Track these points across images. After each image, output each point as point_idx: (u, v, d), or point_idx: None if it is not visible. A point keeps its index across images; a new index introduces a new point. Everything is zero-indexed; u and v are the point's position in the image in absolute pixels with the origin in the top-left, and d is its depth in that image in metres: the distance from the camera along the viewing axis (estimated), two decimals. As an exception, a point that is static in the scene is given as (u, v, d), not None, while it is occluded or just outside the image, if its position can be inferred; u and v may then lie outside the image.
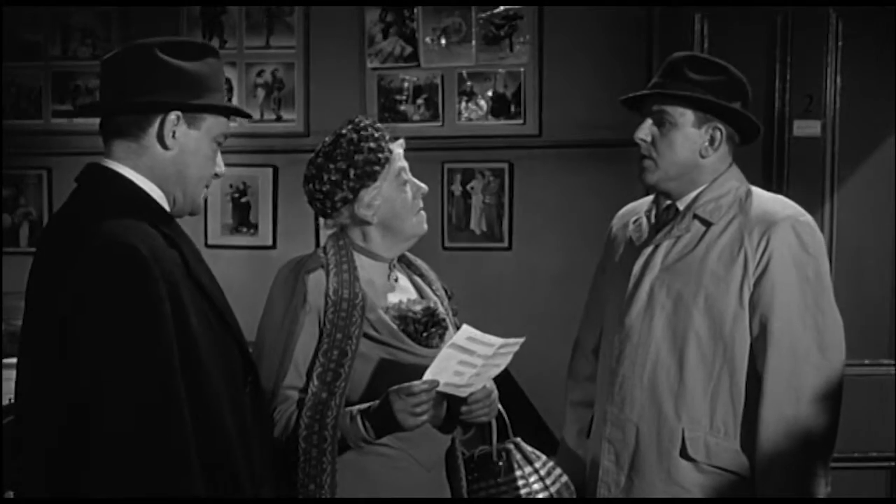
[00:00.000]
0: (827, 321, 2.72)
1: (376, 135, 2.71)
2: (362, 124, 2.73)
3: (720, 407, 2.73)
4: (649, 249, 2.81)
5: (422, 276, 2.89)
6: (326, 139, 2.74)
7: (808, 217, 2.77)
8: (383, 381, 2.65)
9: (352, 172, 2.68)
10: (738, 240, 2.72)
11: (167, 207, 2.30)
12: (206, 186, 2.37)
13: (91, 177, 2.28)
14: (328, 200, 2.72)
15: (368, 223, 2.72)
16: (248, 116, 2.52)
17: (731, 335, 2.72)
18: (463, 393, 2.59)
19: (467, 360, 2.51)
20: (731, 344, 2.72)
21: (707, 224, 2.76)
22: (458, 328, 2.80)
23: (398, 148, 2.74)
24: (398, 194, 2.72)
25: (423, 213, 2.76)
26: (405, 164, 2.75)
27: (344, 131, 2.72)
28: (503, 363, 2.61)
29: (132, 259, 2.11)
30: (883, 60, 4.26)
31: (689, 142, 2.76)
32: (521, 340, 2.57)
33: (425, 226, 2.78)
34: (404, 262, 2.88)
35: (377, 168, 2.69)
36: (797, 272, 2.70)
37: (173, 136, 2.26)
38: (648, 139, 2.77)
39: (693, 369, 2.73)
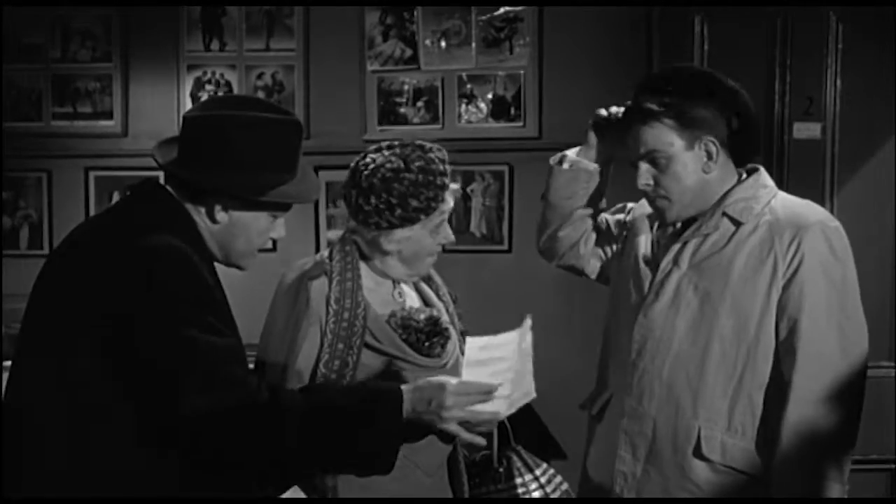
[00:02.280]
0: (852, 325, 2.75)
1: (439, 182, 2.63)
2: (434, 166, 2.63)
3: (739, 407, 2.74)
4: (677, 246, 2.81)
5: (429, 281, 2.88)
6: (390, 156, 2.63)
7: (836, 222, 2.78)
8: None
9: (398, 211, 2.61)
10: (767, 242, 2.72)
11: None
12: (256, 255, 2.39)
13: (148, 193, 2.29)
14: (361, 214, 2.65)
15: (388, 253, 2.71)
16: (308, 201, 2.50)
17: (755, 336, 2.73)
18: (524, 397, 2.50)
19: (497, 369, 2.41)
20: (754, 345, 2.73)
21: (737, 223, 2.76)
22: (463, 334, 2.82)
23: (451, 196, 2.68)
24: (428, 240, 2.69)
25: (437, 255, 2.75)
26: (448, 211, 2.69)
27: (416, 164, 2.62)
28: (529, 350, 2.51)
29: (186, 258, 2.16)
30: (883, 62, 4.26)
31: (690, 165, 2.75)
32: (528, 321, 2.48)
33: (432, 262, 2.76)
34: None
35: (422, 216, 2.64)
36: (825, 277, 2.71)
37: (225, 212, 2.27)
38: (651, 182, 2.76)
39: (714, 368, 2.75)
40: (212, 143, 2.23)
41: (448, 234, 2.72)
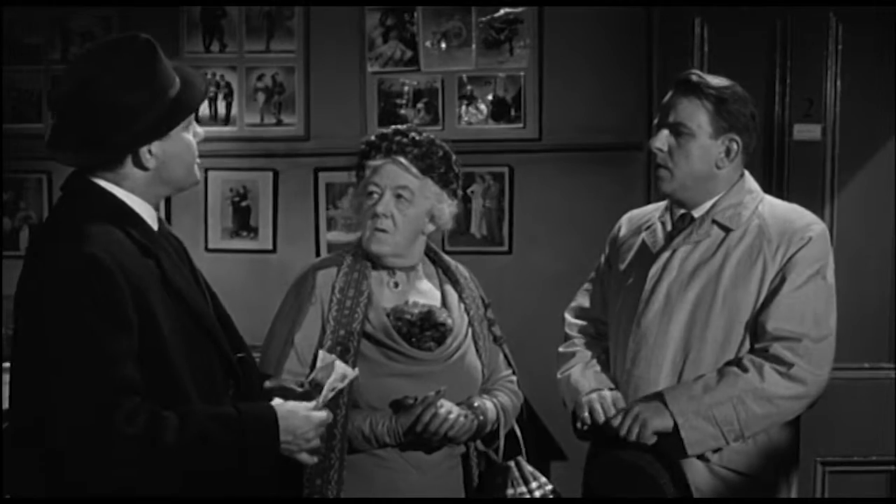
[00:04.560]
0: (822, 320, 2.77)
1: (375, 140, 2.85)
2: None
3: None
4: (666, 254, 2.84)
5: (455, 283, 2.93)
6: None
7: (822, 225, 2.85)
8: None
9: (357, 158, 2.89)
10: (757, 246, 2.78)
11: (148, 214, 2.33)
12: (197, 162, 2.39)
13: (70, 186, 2.33)
14: None
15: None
16: (203, 98, 2.41)
17: (743, 339, 2.78)
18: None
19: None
20: (743, 347, 2.78)
21: (726, 230, 2.80)
22: (495, 338, 2.93)
23: (378, 162, 2.81)
24: (362, 204, 2.84)
25: (377, 232, 2.80)
26: (384, 181, 2.80)
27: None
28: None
29: (91, 267, 2.15)
30: (883, 64, 4.26)
31: (706, 153, 2.80)
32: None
33: (374, 246, 2.80)
34: (440, 268, 2.95)
35: (359, 173, 2.87)
36: (808, 272, 2.76)
37: (150, 154, 2.28)
38: (665, 149, 2.80)
39: (709, 371, 2.76)
40: (88, 117, 2.23)
41: (375, 209, 2.82)
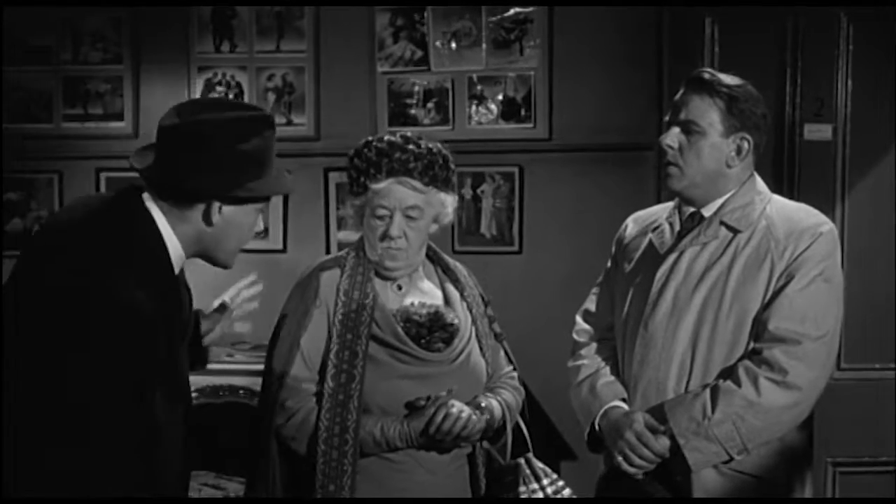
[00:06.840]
0: (826, 320, 2.75)
1: (373, 157, 2.78)
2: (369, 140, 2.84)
3: None
4: (674, 256, 2.84)
5: (456, 281, 2.92)
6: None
7: (830, 225, 2.83)
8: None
9: (352, 172, 2.82)
10: (765, 248, 2.77)
11: (178, 261, 2.29)
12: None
13: (126, 204, 2.27)
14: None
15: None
16: (289, 192, 2.47)
17: (750, 339, 2.76)
18: None
19: None
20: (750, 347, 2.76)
21: (734, 231, 2.79)
22: (496, 336, 2.88)
23: (383, 184, 2.76)
24: (369, 221, 2.79)
25: (391, 250, 2.78)
26: (393, 203, 2.76)
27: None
28: None
29: (137, 318, 2.11)
30: (893, 63, 4.25)
31: (716, 151, 2.79)
32: None
33: (388, 262, 2.80)
34: (440, 267, 2.95)
35: (356, 188, 2.80)
36: (816, 271, 2.75)
37: (219, 213, 2.26)
38: (675, 146, 2.80)
39: (717, 374, 2.77)
40: (194, 147, 2.21)
41: (390, 232, 2.79)
